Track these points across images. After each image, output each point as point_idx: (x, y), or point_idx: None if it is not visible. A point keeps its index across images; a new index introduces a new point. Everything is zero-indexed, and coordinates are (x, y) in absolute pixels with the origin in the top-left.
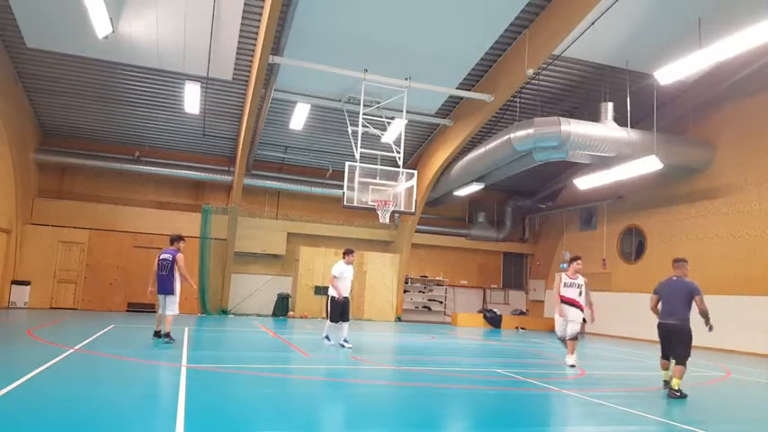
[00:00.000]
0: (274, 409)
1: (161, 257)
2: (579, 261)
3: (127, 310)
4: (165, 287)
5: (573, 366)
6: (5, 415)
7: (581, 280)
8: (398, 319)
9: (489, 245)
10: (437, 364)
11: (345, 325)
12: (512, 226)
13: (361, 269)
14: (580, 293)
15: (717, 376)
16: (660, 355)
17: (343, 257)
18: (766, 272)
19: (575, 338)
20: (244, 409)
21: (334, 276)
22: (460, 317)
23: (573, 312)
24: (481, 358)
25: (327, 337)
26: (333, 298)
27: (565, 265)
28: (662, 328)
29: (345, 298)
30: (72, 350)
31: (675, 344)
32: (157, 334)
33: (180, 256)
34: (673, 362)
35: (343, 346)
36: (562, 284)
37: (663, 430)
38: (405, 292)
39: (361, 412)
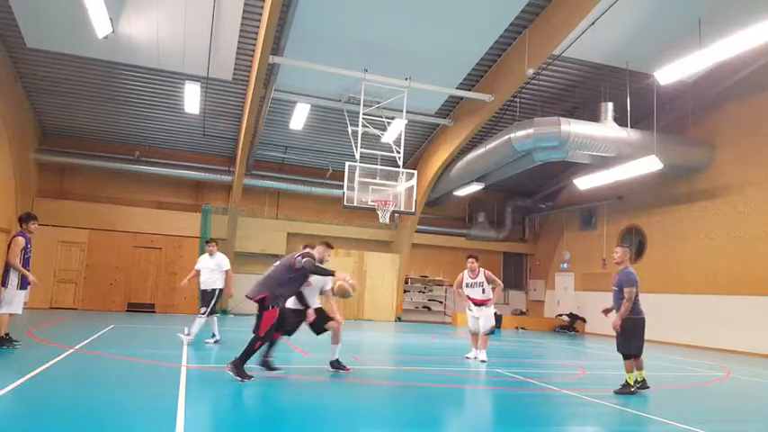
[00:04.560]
0: (274, 409)
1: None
2: (471, 260)
3: (127, 310)
4: None
5: (484, 362)
6: (6, 414)
7: (482, 277)
8: (398, 319)
9: (489, 245)
10: (437, 364)
11: (197, 319)
12: (512, 226)
13: (361, 269)
14: (483, 291)
15: (717, 376)
16: (636, 354)
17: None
18: (766, 272)
19: (490, 333)
20: (244, 410)
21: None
22: (461, 317)
23: (482, 310)
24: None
25: (212, 335)
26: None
27: (565, 266)
28: (643, 324)
29: (202, 290)
30: (72, 350)
31: None
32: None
33: (15, 240)
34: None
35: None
36: (464, 284)
37: (663, 430)
38: (405, 292)
39: (361, 412)
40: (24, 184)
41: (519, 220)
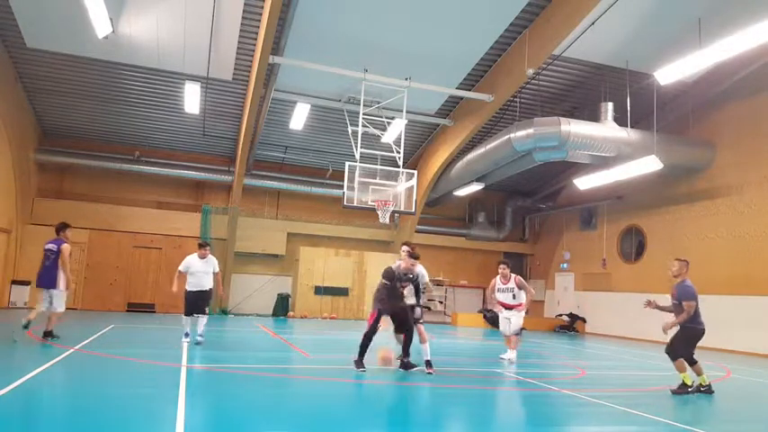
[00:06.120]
0: (275, 409)
1: (46, 247)
2: (502, 266)
3: (127, 310)
4: (45, 279)
5: (510, 361)
6: (5, 415)
7: (512, 283)
8: None
9: (489, 245)
10: (437, 364)
11: (202, 319)
12: (512, 226)
13: (361, 269)
14: (514, 296)
15: (717, 376)
16: (683, 356)
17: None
18: (766, 272)
19: (517, 334)
20: (244, 410)
21: (180, 271)
22: (460, 317)
23: (513, 313)
24: (481, 358)
25: (186, 334)
26: (186, 291)
27: (565, 266)
28: (702, 334)
29: (197, 292)
30: (72, 350)
31: None
32: (48, 333)
33: (65, 247)
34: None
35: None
36: (496, 289)
37: (663, 430)
38: None
39: (362, 412)
40: (24, 184)
41: (519, 220)
